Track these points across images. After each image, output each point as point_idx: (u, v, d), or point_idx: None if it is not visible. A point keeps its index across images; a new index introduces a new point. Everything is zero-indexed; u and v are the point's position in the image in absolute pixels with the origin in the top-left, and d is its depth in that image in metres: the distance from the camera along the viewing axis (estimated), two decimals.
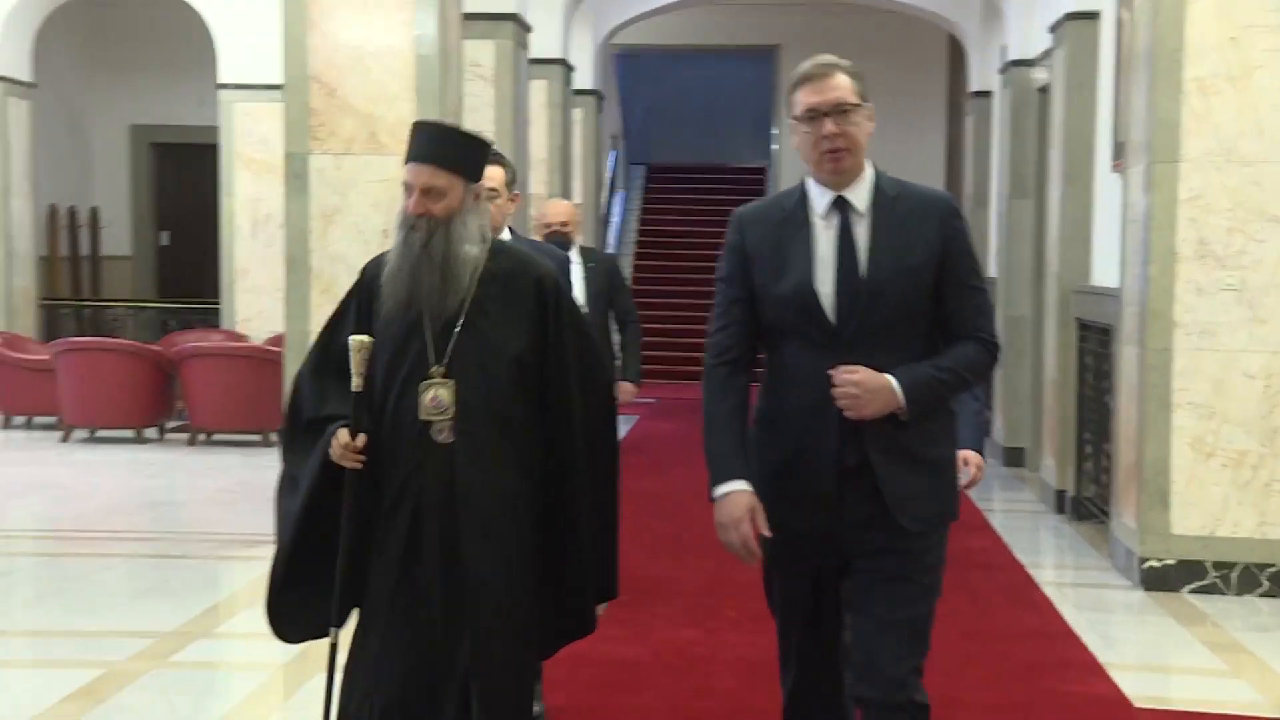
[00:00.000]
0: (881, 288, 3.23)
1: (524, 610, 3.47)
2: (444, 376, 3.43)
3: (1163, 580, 6.88)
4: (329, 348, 3.59)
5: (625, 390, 6.94)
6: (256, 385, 10.97)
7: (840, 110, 3.26)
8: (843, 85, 3.28)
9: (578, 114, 13.89)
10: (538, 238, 6.73)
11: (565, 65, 12.51)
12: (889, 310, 3.24)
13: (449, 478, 3.42)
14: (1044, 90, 10.54)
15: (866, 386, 3.18)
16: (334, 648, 3.51)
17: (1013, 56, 11.40)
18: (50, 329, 13.90)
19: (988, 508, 9.20)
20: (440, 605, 3.41)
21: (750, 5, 18.10)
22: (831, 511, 3.26)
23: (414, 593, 3.43)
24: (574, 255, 6.75)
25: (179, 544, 8.00)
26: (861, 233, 3.28)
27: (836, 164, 3.28)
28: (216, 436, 11.47)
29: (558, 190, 11.99)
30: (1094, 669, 5.58)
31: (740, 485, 3.27)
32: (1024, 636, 6.07)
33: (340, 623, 3.51)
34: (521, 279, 3.53)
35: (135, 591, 6.85)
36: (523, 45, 10.32)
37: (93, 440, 11.63)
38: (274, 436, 10.57)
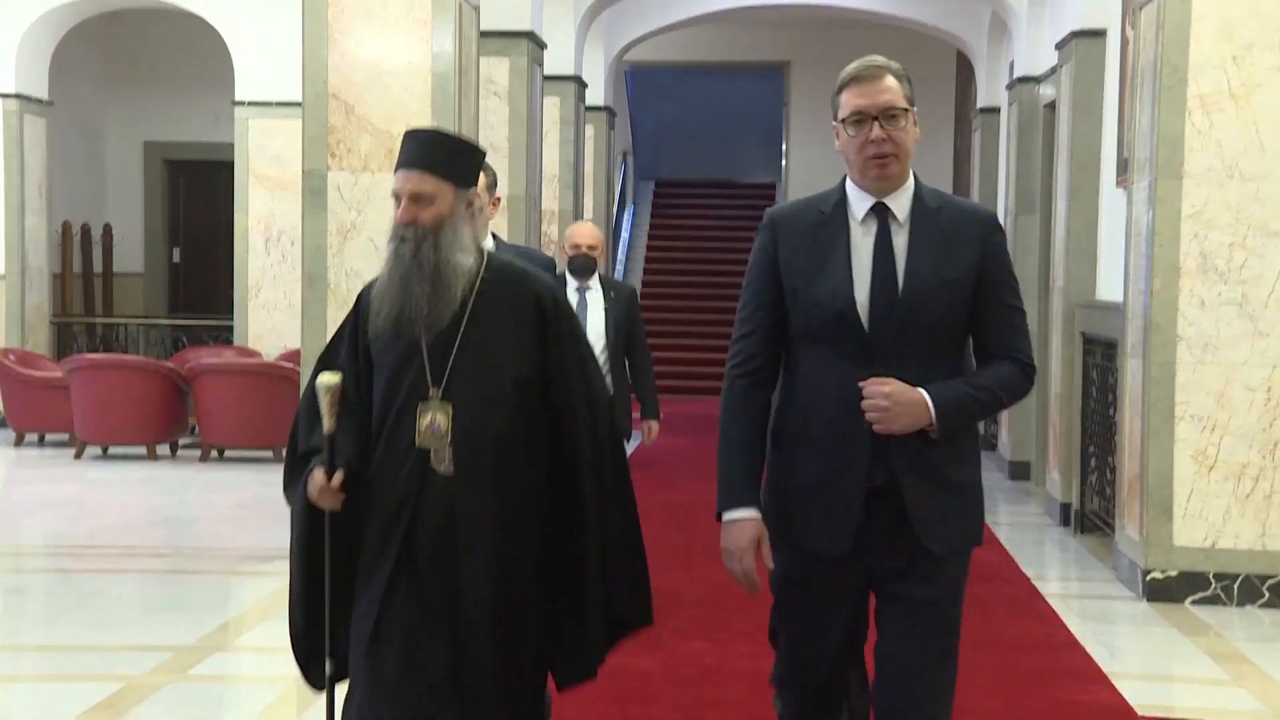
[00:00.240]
0: (918, 300, 3.11)
1: (524, 634, 3.37)
2: (442, 400, 3.34)
3: (1166, 591, 6.95)
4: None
5: (652, 430, 6.89)
6: (269, 401, 11.03)
7: (889, 114, 3.12)
8: (892, 88, 3.14)
9: (590, 130, 14.01)
10: (563, 259, 6.76)
11: (579, 82, 12.62)
12: (924, 324, 3.12)
13: (447, 505, 3.32)
14: (1050, 106, 10.62)
15: (898, 399, 3.06)
16: (332, 680, 3.45)
17: (1020, 73, 11.51)
18: (63, 346, 14.00)
19: (994, 521, 9.26)
20: (439, 630, 3.31)
21: (760, 22, 18.18)
22: (857, 532, 3.14)
23: (408, 617, 3.31)
24: (594, 283, 6.70)
25: (193, 560, 8.08)
26: (900, 242, 3.15)
27: (883, 169, 3.14)
28: (229, 453, 11.55)
29: (569, 206, 12.10)
30: (1099, 678, 5.66)
31: (749, 513, 3.19)
32: (1030, 646, 6.14)
33: (335, 652, 3.43)
34: (519, 295, 3.44)
35: (151, 606, 6.93)
36: (537, 62, 10.43)
37: (105, 457, 11.71)
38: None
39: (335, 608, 3.40)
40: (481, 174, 4.43)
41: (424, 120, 7.63)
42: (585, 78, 13.07)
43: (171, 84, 15.71)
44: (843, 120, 3.16)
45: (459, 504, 3.33)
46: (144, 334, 14.42)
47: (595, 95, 14.15)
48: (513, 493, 3.37)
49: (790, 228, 3.23)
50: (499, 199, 4.71)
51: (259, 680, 5.80)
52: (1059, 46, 9.77)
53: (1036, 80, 11.17)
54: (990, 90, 13.66)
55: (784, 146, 20.46)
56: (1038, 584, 7.39)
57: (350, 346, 3.48)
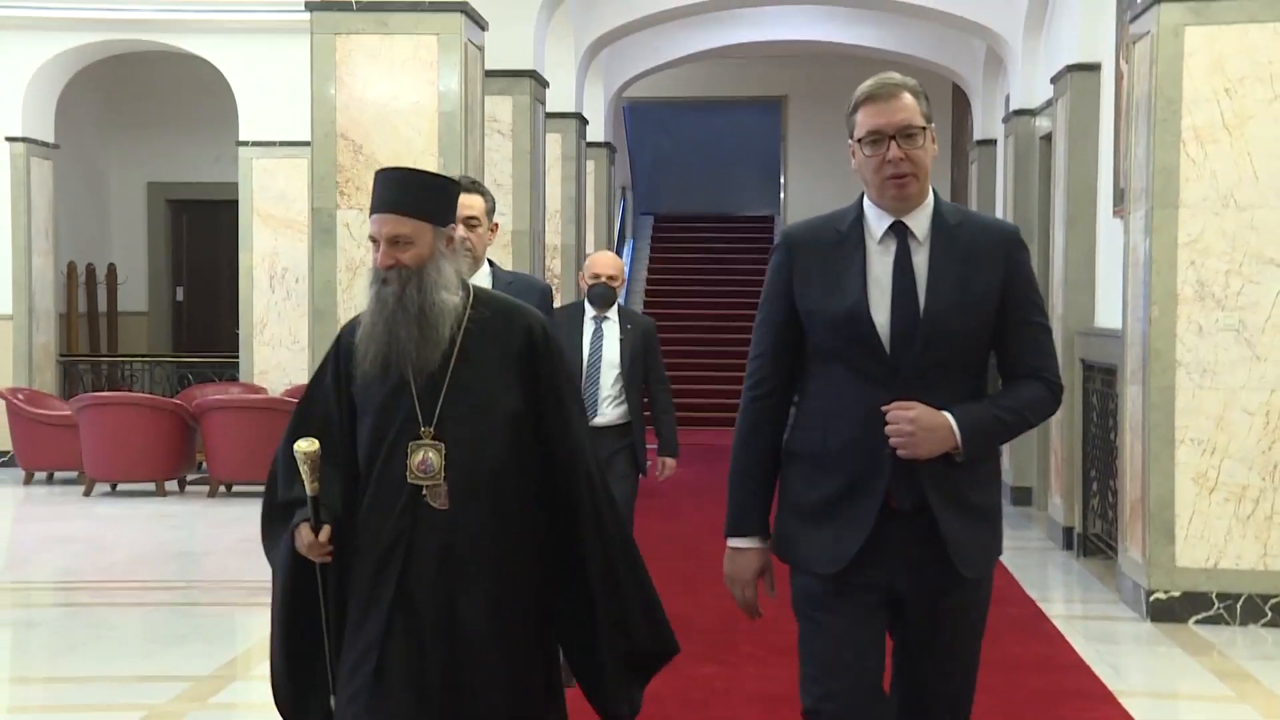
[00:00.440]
0: (941, 321, 3.02)
1: (521, 669, 3.34)
2: (433, 438, 3.29)
3: (1169, 612, 7.05)
4: (303, 419, 3.45)
5: (669, 466, 6.82)
6: (276, 437, 10.93)
7: (906, 133, 3.03)
8: (909, 106, 3.04)
9: (591, 165, 14.15)
10: (583, 287, 6.68)
11: (580, 118, 12.76)
12: (947, 344, 3.03)
13: (443, 541, 3.28)
14: (1046, 138, 10.75)
15: (922, 424, 2.98)
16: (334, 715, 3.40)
17: (1016, 106, 11.65)
18: (69, 385, 14.09)
19: None
20: (437, 661, 3.27)
21: (757, 57, 18.37)
22: (878, 557, 3.06)
23: (407, 651, 3.27)
24: (612, 314, 6.61)
25: (206, 593, 8.17)
26: (920, 261, 3.07)
27: (901, 189, 3.05)
28: (237, 487, 11.65)
29: (572, 241, 12.23)
30: (1106, 697, 5.76)
31: (753, 543, 3.19)
32: (1036, 667, 6.23)
33: (336, 690, 3.38)
34: (509, 328, 3.39)
35: (169, 638, 6.99)
36: (540, 100, 10.58)
37: (114, 494, 11.77)
38: None
39: (334, 651, 3.38)
40: (481, 199, 4.49)
41: (432, 159, 7.78)
42: (586, 114, 13.22)
43: (173, 125, 15.86)
44: (859, 140, 3.07)
45: (455, 538, 3.29)
46: (150, 372, 14.50)
47: (595, 131, 14.30)
48: (508, 525, 3.34)
49: (806, 247, 3.14)
50: (497, 224, 4.72)
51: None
52: (1054, 80, 9.92)
53: (1032, 113, 11.31)
54: (986, 123, 13.81)
55: (782, 179, 20.63)
56: (1042, 606, 7.49)
57: (332, 388, 3.43)
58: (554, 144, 11.98)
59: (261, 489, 3.57)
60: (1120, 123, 8.52)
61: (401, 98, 7.92)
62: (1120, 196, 8.36)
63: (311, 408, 3.46)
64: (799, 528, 3.14)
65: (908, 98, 3.04)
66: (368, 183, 7.73)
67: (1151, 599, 7.10)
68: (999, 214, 12.66)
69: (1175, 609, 7.06)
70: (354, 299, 7.88)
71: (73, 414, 11.80)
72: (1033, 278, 3.16)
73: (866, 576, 3.08)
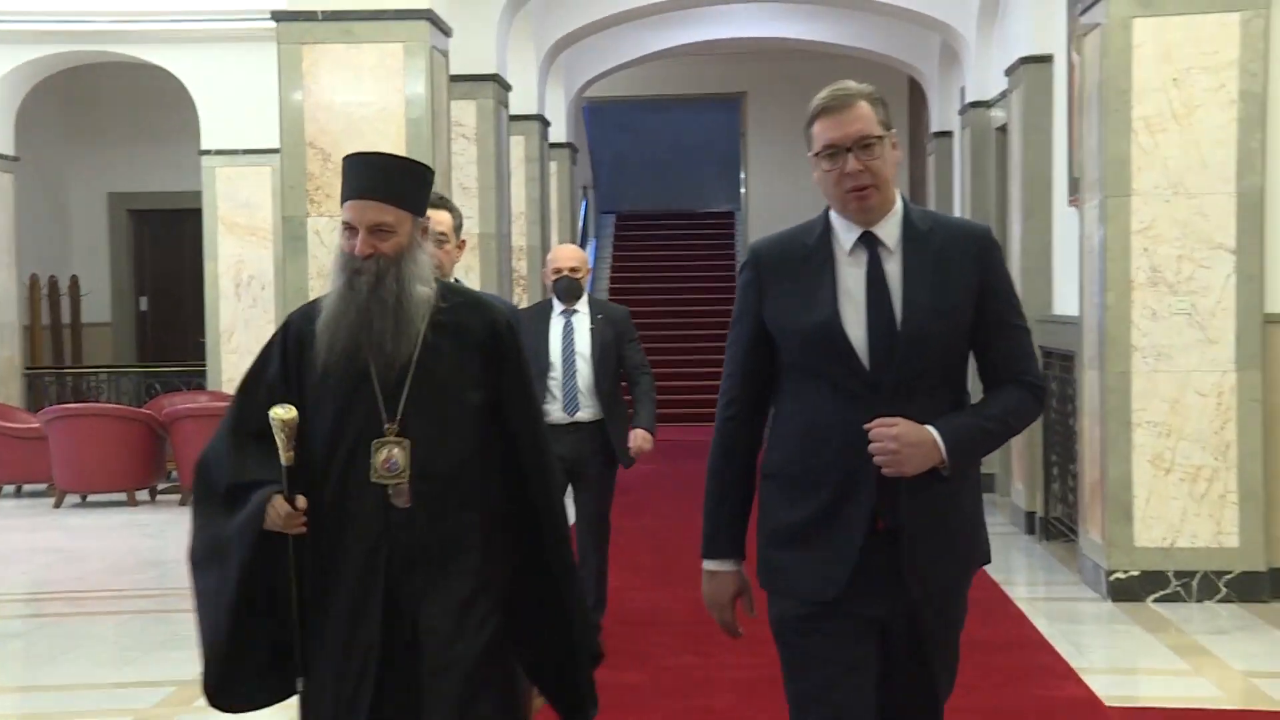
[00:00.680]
0: (918, 332, 2.93)
1: (481, 663, 3.24)
2: (398, 435, 3.20)
3: (1128, 591, 7.22)
4: (245, 408, 3.33)
5: (639, 437, 6.51)
6: None
7: (863, 144, 2.93)
8: (864, 115, 2.94)
9: (554, 166, 14.21)
10: (547, 283, 6.60)
11: (542, 120, 12.84)
12: (928, 355, 2.94)
13: (412, 538, 3.21)
14: (1002, 130, 10.90)
15: (907, 440, 2.87)
16: (304, 697, 3.36)
17: (971, 98, 11.80)
18: (34, 398, 14.05)
19: None
20: (396, 664, 3.22)
21: (715, 55, 18.48)
22: (857, 577, 2.97)
23: (367, 651, 3.22)
24: (581, 306, 6.54)
25: (183, 599, 8.14)
26: (893, 270, 2.97)
27: (862, 202, 2.96)
28: None
29: (537, 242, 12.30)
30: (1068, 674, 5.92)
31: (729, 566, 3.13)
32: (1002, 647, 6.37)
33: (306, 673, 3.32)
34: (474, 321, 3.31)
35: (149, 645, 7.01)
36: (503, 104, 10.66)
37: (84, 505, 11.74)
38: None
39: (301, 625, 3.30)
40: (449, 215, 4.37)
41: None
42: (548, 116, 13.30)
43: (134, 136, 15.85)
44: (816, 154, 2.99)
45: (426, 538, 3.22)
46: (115, 383, 14.46)
47: (558, 133, 14.38)
48: (474, 522, 3.27)
49: (774, 264, 3.06)
50: (464, 241, 4.58)
51: (264, 710, 5.95)
52: (1008, 72, 10.06)
53: (987, 105, 11.46)
54: (943, 115, 13.96)
55: (742, 175, 20.71)
56: (1007, 589, 7.64)
57: (279, 378, 3.30)
58: (517, 146, 12.05)
59: None
60: (1073, 113, 8.67)
61: (369, 105, 8.00)
62: (1075, 186, 8.51)
63: (252, 395, 3.33)
64: (783, 554, 3.05)
65: (863, 106, 2.95)
66: (337, 190, 7.90)
67: (1111, 579, 7.27)
68: (956, 206, 12.82)
69: (1134, 588, 7.23)
70: None
71: (41, 426, 11.77)
72: (1008, 277, 3.11)
73: (853, 598, 3.00)
